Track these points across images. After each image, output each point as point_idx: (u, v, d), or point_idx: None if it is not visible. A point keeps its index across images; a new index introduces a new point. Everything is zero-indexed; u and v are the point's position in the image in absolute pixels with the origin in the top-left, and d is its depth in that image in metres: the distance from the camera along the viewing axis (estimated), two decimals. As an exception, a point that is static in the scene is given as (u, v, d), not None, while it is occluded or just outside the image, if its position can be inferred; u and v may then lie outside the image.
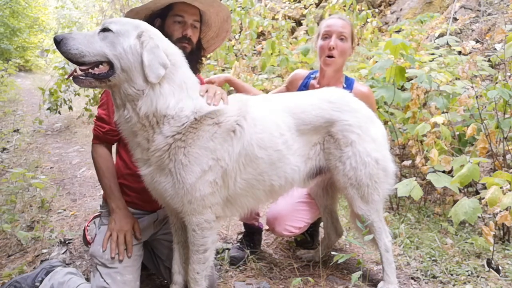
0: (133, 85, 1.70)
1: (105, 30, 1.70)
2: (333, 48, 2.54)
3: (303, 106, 2.10)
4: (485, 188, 2.53)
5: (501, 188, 2.34)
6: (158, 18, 2.18)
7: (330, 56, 2.57)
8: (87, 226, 2.25)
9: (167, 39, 1.84)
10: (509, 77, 3.77)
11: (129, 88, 1.70)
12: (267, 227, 3.00)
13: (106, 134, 2.19)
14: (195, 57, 2.18)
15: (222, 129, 1.84)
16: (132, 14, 2.15)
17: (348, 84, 2.69)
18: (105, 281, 1.99)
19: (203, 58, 2.43)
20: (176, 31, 2.15)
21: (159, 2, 2.13)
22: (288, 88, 2.84)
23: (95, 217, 2.27)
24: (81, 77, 1.68)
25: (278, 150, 1.99)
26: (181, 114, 1.76)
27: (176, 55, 1.82)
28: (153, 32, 1.78)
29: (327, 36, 2.59)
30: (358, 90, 2.60)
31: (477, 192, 3.17)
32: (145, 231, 2.24)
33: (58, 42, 1.64)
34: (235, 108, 1.91)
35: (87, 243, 2.21)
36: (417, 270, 2.52)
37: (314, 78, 2.76)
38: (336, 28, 2.58)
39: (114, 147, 2.31)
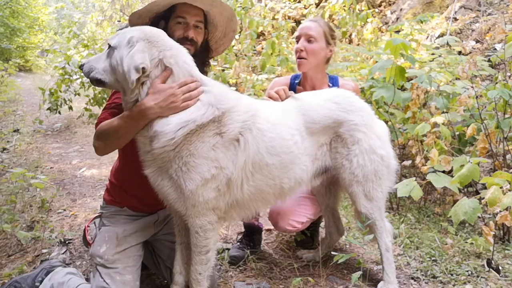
0: (125, 92, 1.79)
1: (109, 46, 1.81)
2: (301, 50, 2.61)
3: (312, 105, 2.13)
4: (485, 188, 2.53)
5: (501, 188, 2.34)
6: (162, 20, 2.17)
7: (301, 58, 2.63)
8: (87, 226, 2.25)
9: (165, 39, 1.82)
10: (509, 77, 3.77)
11: (123, 96, 1.82)
12: (267, 227, 2.99)
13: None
14: (200, 59, 2.15)
15: (225, 139, 1.82)
16: (135, 17, 2.15)
17: (334, 83, 2.73)
18: (104, 281, 2.00)
19: (209, 60, 2.40)
20: (178, 32, 2.12)
21: (159, 4, 2.11)
22: None
23: (95, 217, 2.27)
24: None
25: (290, 152, 1.99)
26: (166, 129, 1.73)
27: (171, 57, 1.78)
28: (139, 35, 1.75)
29: (298, 39, 2.69)
30: (346, 86, 2.65)
31: (477, 192, 3.17)
32: (145, 231, 2.24)
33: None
34: (240, 118, 1.87)
35: (87, 243, 2.22)
36: (417, 270, 2.52)
37: (299, 84, 2.77)
38: (305, 30, 2.66)
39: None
